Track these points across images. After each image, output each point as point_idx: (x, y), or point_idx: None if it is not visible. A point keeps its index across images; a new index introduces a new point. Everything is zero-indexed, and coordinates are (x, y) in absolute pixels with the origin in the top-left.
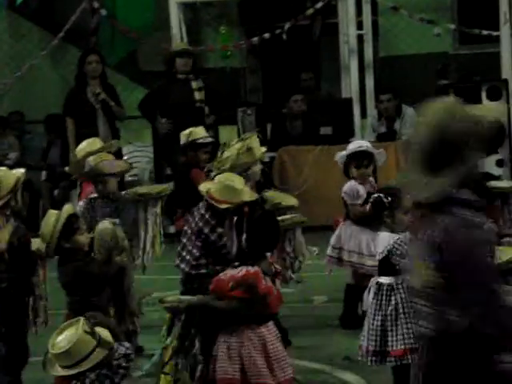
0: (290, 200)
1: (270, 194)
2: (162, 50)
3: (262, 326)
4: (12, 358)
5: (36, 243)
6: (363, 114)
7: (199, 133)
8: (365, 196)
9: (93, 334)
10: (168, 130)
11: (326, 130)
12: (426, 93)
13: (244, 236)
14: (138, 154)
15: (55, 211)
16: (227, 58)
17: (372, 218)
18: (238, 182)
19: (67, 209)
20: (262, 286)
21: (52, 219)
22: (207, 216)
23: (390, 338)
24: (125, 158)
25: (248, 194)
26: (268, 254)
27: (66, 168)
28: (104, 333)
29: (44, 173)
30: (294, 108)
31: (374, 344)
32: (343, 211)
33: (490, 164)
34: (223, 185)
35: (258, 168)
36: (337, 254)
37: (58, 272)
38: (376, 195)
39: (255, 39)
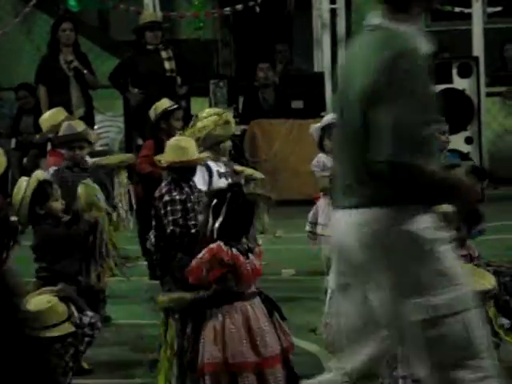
0: (256, 173)
1: (238, 168)
2: (134, 20)
3: (245, 302)
4: None
5: None
6: (335, 89)
7: (165, 103)
8: None
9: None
10: (139, 101)
11: (297, 104)
12: None
13: (220, 219)
14: (109, 124)
15: (26, 178)
16: (200, 29)
17: None
18: (184, 141)
19: (38, 174)
20: (228, 255)
21: (23, 184)
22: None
23: None
24: (96, 127)
25: (195, 155)
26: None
27: (37, 136)
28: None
29: (13, 141)
30: (260, 76)
31: None
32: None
33: (458, 141)
34: (169, 146)
35: (228, 144)
36: (311, 228)
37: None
38: None
39: (227, 9)
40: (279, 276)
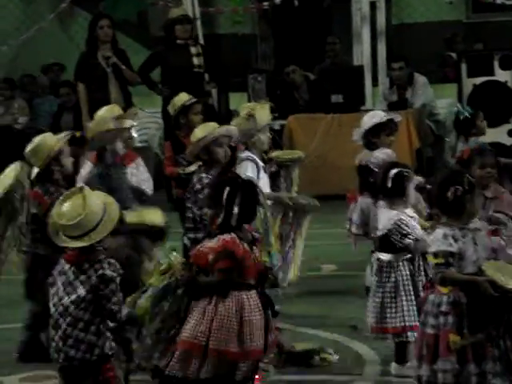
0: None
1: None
2: None
3: (242, 292)
4: None
5: None
6: (375, 82)
7: (183, 97)
8: None
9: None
10: (167, 95)
11: (337, 98)
12: (437, 61)
13: (237, 208)
14: (148, 120)
15: None
16: (239, 23)
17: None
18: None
19: None
20: (240, 251)
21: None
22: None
23: (388, 315)
24: (135, 123)
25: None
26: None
27: (77, 133)
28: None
29: None
30: (287, 80)
31: (375, 320)
32: (355, 184)
33: (501, 134)
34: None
35: (263, 136)
36: (363, 231)
37: None
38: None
39: (266, 4)
40: (319, 272)
